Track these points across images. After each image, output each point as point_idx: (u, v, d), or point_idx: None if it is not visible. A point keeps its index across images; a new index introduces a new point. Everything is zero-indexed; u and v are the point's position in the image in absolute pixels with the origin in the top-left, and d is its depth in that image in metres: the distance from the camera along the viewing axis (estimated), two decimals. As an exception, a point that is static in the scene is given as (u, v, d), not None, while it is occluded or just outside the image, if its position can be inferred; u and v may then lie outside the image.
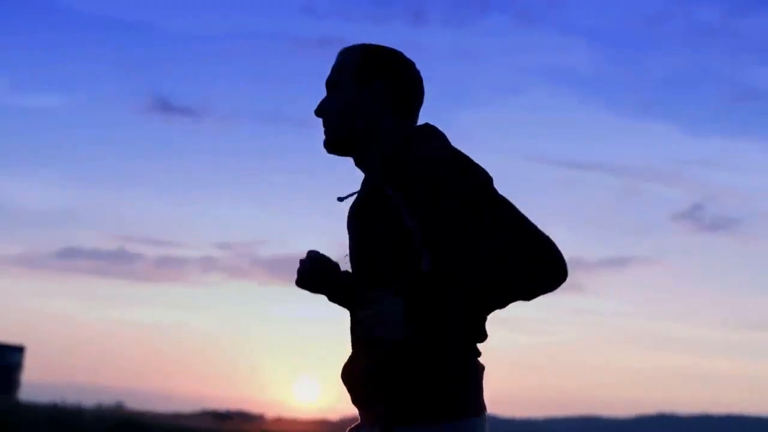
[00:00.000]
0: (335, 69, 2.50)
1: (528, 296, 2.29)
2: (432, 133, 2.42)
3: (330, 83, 2.50)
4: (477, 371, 2.35)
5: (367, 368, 2.35)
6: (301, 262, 2.56)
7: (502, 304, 2.29)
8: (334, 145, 2.47)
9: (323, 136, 2.49)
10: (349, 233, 2.50)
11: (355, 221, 2.46)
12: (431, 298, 2.23)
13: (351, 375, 2.42)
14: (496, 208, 2.28)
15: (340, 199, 2.49)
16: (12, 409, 22.93)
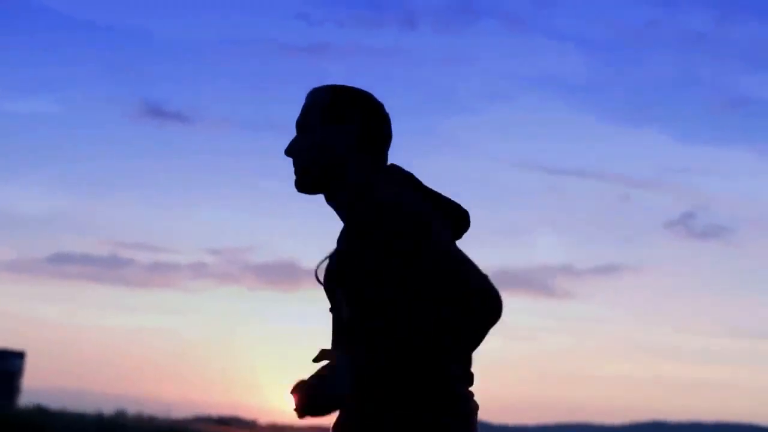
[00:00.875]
0: (304, 109, 2.52)
1: (468, 343, 2.22)
2: (389, 176, 2.43)
3: (299, 124, 2.52)
4: (460, 415, 2.32)
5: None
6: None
7: (447, 353, 2.22)
8: (303, 185, 2.50)
9: (293, 176, 2.51)
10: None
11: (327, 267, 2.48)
12: (375, 353, 2.23)
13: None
14: (428, 255, 2.24)
15: (317, 273, 2.50)
16: (25, 414, 22.96)
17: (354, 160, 2.46)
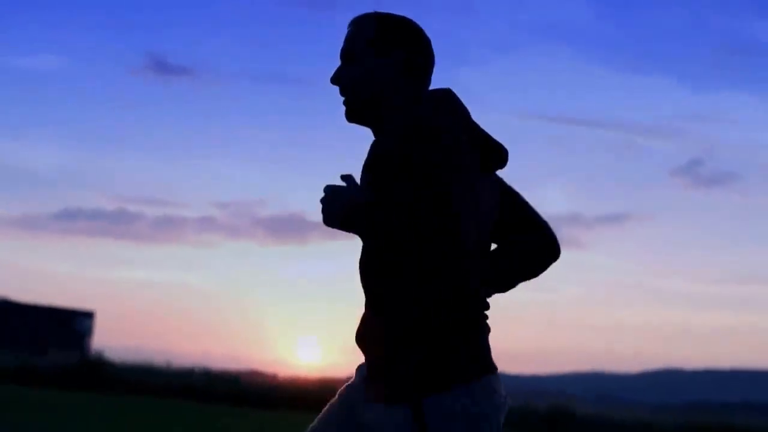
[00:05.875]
0: (350, 38, 2.53)
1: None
2: (440, 99, 2.44)
3: (346, 53, 2.53)
4: (481, 332, 2.37)
5: (379, 331, 2.38)
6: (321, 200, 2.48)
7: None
8: (356, 113, 2.51)
9: (343, 106, 2.52)
10: None
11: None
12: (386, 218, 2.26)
13: (363, 338, 2.46)
14: (433, 193, 2.24)
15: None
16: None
17: (401, 89, 2.49)
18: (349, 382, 2.54)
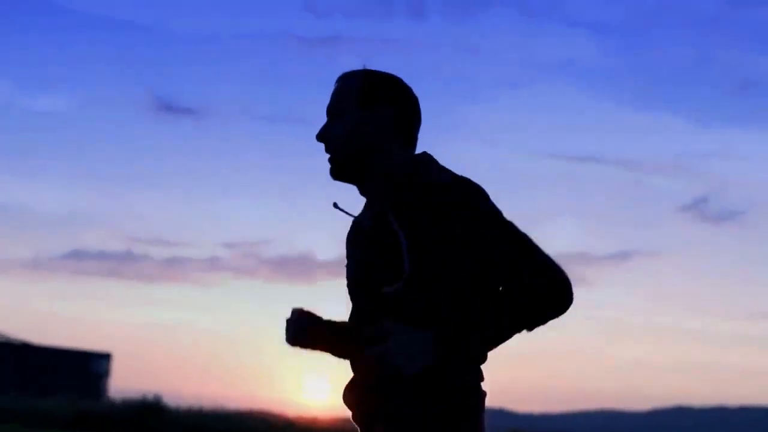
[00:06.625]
0: (337, 94, 2.49)
1: (536, 323, 2.32)
2: (432, 160, 2.46)
3: (332, 109, 2.49)
4: (480, 396, 2.39)
5: (369, 391, 2.40)
6: (288, 321, 2.48)
7: (509, 334, 2.32)
8: (341, 170, 2.47)
9: (328, 163, 2.49)
10: (350, 258, 2.54)
11: (357, 248, 2.51)
12: (450, 330, 2.29)
13: (352, 397, 2.47)
14: (502, 232, 2.32)
15: (336, 206, 2.53)
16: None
17: (389, 145, 2.45)
18: None
